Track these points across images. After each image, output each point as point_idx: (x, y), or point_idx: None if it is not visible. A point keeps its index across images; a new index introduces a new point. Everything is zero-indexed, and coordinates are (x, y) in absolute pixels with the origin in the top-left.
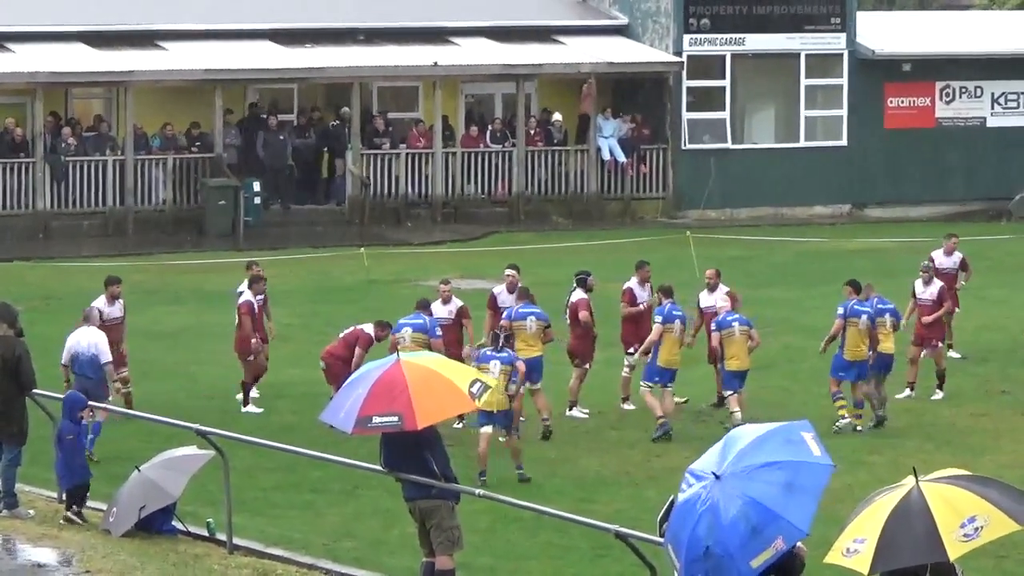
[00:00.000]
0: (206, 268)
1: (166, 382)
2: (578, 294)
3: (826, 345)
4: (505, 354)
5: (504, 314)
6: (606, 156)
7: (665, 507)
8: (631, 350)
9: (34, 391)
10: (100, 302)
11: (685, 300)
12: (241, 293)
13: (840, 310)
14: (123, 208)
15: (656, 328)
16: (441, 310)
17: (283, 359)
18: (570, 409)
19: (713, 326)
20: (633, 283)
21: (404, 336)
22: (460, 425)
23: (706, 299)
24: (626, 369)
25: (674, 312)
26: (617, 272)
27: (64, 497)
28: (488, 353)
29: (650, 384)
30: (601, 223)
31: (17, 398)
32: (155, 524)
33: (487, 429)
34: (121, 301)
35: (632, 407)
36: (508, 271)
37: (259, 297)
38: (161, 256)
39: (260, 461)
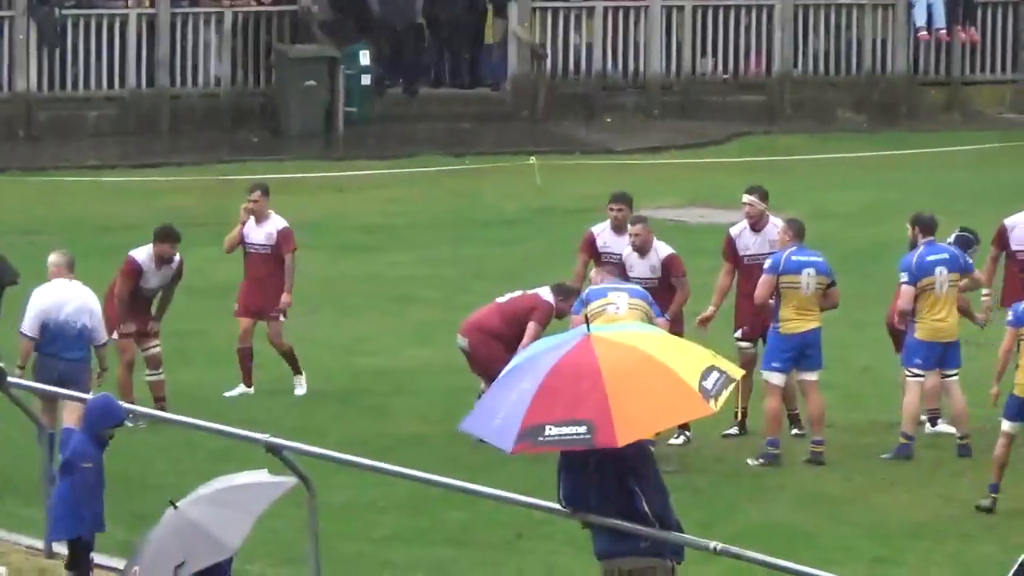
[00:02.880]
0: (283, 187)
1: (217, 367)
2: None
3: None
4: None
5: (768, 263)
6: (919, 21)
7: (1013, 571)
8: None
9: (7, 381)
10: (142, 255)
11: None
12: None
13: None
14: (152, 92)
15: (904, 291)
16: (639, 264)
17: (405, 333)
18: (932, 424)
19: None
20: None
21: (616, 302)
22: (682, 440)
23: None
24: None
25: (928, 258)
26: (944, 201)
27: (68, 550)
28: None
29: (916, 371)
30: (914, 121)
31: None
32: None
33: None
34: (175, 265)
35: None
36: (748, 197)
37: None
38: (212, 168)
39: (367, 494)
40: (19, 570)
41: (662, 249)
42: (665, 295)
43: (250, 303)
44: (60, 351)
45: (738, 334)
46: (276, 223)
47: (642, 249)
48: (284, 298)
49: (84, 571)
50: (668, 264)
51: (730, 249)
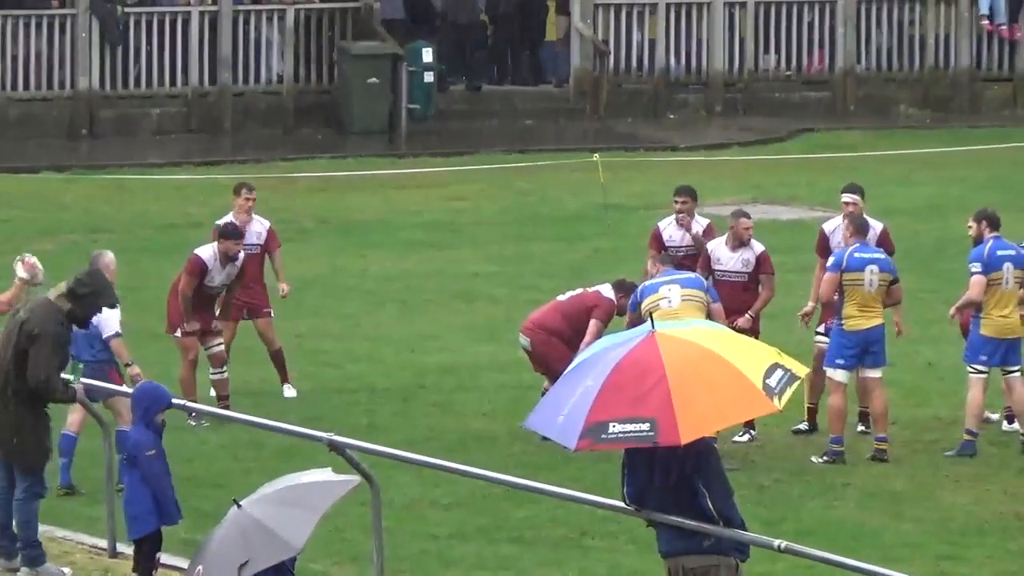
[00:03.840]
0: (347, 184)
1: None
2: None
3: None
4: None
5: (831, 261)
6: (984, 9)
7: None
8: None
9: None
10: (207, 253)
11: None
12: None
13: None
14: (215, 89)
15: (976, 280)
16: (730, 258)
17: (469, 330)
18: (1009, 421)
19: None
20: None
21: (668, 296)
22: (747, 437)
23: None
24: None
25: (998, 252)
26: (1008, 197)
27: (134, 550)
28: None
29: (980, 368)
30: (976, 117)
31: (31, 398)
32: None
33: None
34: (239, 263)
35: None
36: (850, 196)
37: None
38: (274, 166)
39: (430, 492)
40: (84, 570)
41: (757, 245)
42: (750, 292)
43: (240, 304)
44: (78, 353)
45: (821, 328)
46: (262, 222)
47: (739, 242)
48: (285, 287)
49: (149, 568)
50: (762, 260)
51: (824, 245)
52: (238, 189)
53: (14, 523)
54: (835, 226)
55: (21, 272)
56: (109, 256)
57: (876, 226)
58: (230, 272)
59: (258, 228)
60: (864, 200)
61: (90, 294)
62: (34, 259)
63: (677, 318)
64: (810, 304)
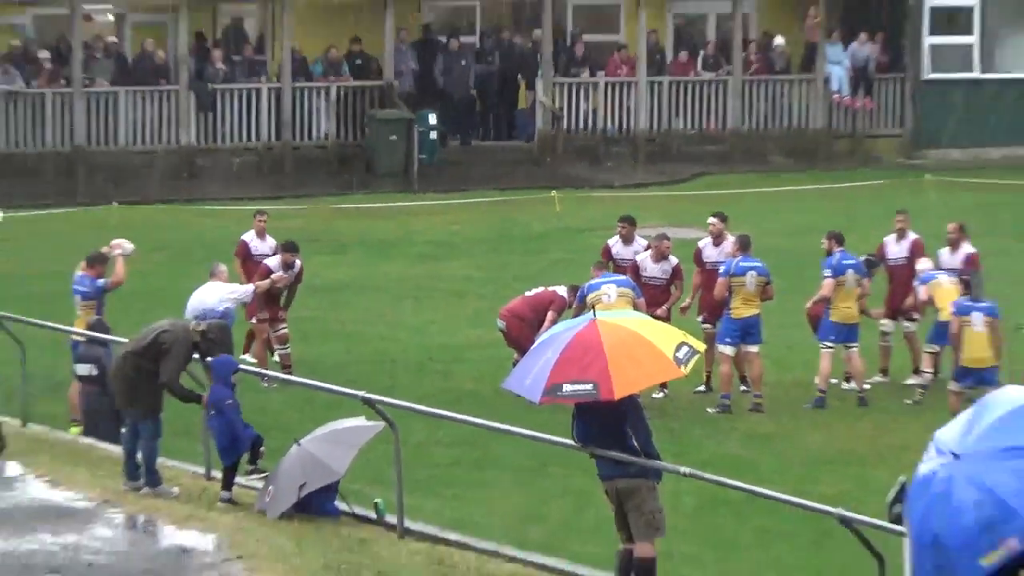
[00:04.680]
0: (374, 213)
1: (327, 343)
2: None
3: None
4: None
5: (722, 269)
6: (834, 86)
7: (895, 489)
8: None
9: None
10: (273, 262)
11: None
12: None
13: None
14: (279, 143)
15: (828, 283)
16: (654, 268)
17: (462, 318)
18: (847, 381)
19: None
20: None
21: (608, 292)
22: (662, 395)
23: (947, 259)
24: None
25: (844, 262)
26: (849, 223)
27: (223, 474)
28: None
29: (829, 344)
30: (828, 163)
31: (149, 378)
32: (316, 504)
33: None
34: (296, 269)
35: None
36: (711, 219)
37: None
38: (322, 198)
39: (435, 434)
40: (187, 489)
41: (673, 259)
42: (666, 292)
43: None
44: None
45: (700, 319)
46: (271, 239)
47: (660, 256)
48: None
49: (257, 461)
50: (676, 270)
51: (698, 256)
52: (255, 214)
53: (139, 455)
54: (706, 243)
55: None
56: (222, 267)
57: (731, 238)
58: (289, 276)
59: (270, 242)
60: (727, 223)
61: (213, 341)
62: None
63: (614, 308)
64: (687, 300)
